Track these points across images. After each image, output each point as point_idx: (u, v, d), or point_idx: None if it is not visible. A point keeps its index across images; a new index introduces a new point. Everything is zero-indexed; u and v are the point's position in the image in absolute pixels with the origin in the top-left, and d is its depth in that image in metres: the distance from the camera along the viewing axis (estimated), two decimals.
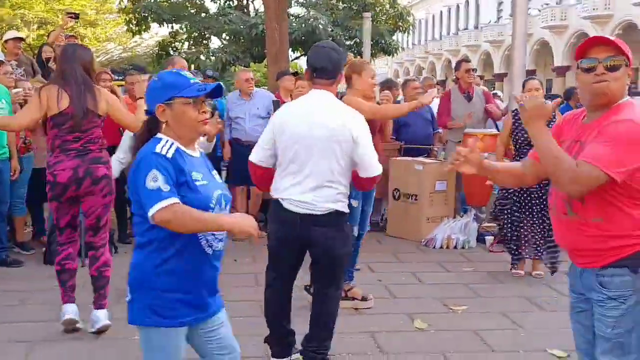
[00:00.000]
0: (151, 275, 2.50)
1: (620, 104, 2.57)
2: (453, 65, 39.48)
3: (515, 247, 6.14)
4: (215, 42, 22.74)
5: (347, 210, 3.77)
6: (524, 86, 6.23)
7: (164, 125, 2.56)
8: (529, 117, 2.53)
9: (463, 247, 7.21)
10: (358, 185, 3.89)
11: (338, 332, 4.08)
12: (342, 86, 4.53)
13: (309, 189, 3.64)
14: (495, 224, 6.82)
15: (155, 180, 2.41)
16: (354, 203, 4.78)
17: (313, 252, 3.79)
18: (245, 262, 6.35)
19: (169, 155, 2.47)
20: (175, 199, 2.41)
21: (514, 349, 4.36)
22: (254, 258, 6.34)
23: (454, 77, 8.35)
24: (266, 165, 3.83)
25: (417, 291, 5.62)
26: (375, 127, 4.99)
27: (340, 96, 4.24)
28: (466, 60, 8.62)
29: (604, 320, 2.59)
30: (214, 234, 2.55)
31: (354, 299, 5.09)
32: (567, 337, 3.10)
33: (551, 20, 33.58)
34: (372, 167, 3.74)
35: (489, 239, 7.26)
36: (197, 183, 2.51)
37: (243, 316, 4.75)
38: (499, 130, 7.29)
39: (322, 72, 3.73)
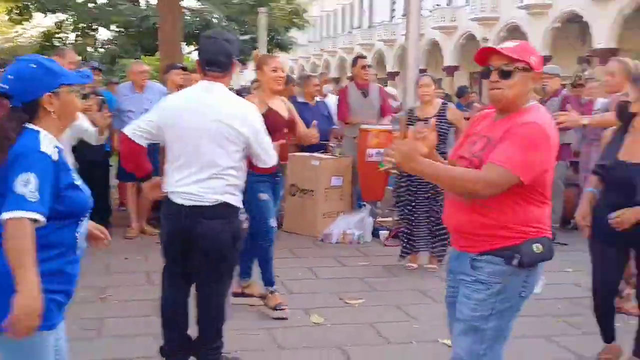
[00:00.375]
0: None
1: (528, 106, 2.64)
2: (347, 63, 39.79)
3: (406, 240, 6.28)
4: (103, 34, 21.97)
5: (238, 203, 3.64)
6: (417, 83, 6.37)
7: (40, 116, 2.35)
8: (402, 165, 2.53)
9: (359, 242, 7.27)
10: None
11: (234, 329, 4.00)
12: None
13: (196, 180, 3.51)
14: (390, 219, 6.94)
15: (26, 185, 2.18)
16: (263, 196, 4.72)
17: (200, 245, 3.58)
18: (137, 260, 6.15)
19: (55, 157, 2.28)
20: (37, 215, 2.18)
21: (407, 340, 4.43)
22: (146, 256, 6.16)
23: (351, 74, 8.41)
24: (138, 141, 3.60)
25: (314, 286, 5.62)
26: (284, 124, 4.87)
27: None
28: (362, 56, 8.70)
29: (465, 302, 2.66)
30: (80, 233, 2.40)
31: (252, 295, 5.01)
32: None
33: (442, 21, 34.65)
34: (267, 157, 3.66)
35: (384, 233, 7.38)
36: (77, 182, 2.37)
37: (134, 316, 4.60)
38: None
39: (215, 65, 3.60)
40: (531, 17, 27.49)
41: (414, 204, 6.18)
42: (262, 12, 13.21)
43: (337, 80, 27.62)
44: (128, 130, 3.62)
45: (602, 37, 23.15)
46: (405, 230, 6.28)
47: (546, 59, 24.49)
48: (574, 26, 26.00)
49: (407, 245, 6.29)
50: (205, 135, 3.48)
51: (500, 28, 30.12)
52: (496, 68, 2.61)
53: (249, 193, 4.64)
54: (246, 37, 20.17)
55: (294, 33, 24.28)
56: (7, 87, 2.34)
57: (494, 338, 2.66)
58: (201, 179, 3.50)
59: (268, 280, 4.92)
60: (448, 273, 2.88)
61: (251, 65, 25.27)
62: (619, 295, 4.29)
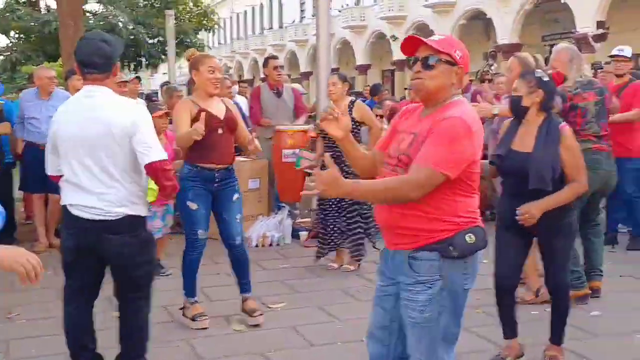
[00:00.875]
0: None
1: (452, 101, 2.63)
2: (260, 64, 39.72)
3: (321, 240, 6.25)
4: (2, 40, 21.04)
5: (142, 213, 3.47)
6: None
7: None
8: (327, 192, 2.47)
9: (278, 244, 7.20)
10: (153, 177, 3.45)
11: (154, 342, 3.84)
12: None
13: (93, 192, 3.33)
14: (308, 219, 6.90)
15: None
16: (192, 206, 4.53)
17: (110, 263, 3.46)
18: (46, 276, 5.80)
19: None
20: None
21: (332, 342, 4.39)
22: (55, 271, 5.86)
23: (263, 75, 8.34)
24: (58, 174, 3.47)
25: (234, 292, 5.46)
26: (217, 124, 4.57)
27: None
28: (273, 57, 8.64)
29: (412, 306, 2.61)
30: None
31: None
32: None
33: (351, 20, 34.99)
34: (151, 152, 3.34)
35: (303, 234, 7.33)
36: None
37: (44, 335, 4.38)
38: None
39: (92, 67, 3.38)
40: (437, 15, 28.14)
41: (324, 202, 6.15)
42: (169, 15, 12.97)
43: (250, 82, 27.44)
44: (48, 170, 3.54)
45: (505, 32, 23.92)
46: (320, 230, 6.26)
47: None
48: (479, 23, 26.79)
49: (322, 245, 6.26)
50: (93, 143, 3.30)
51: (409, 26, 30.67)
52: (420, 58, 2.61)
53: (178, 199, 4.49)
54: (154, 40, 19.76)
55: (204, 35, 23.98)
56: None
57: (448, 336, 2.65)
58: (99, 190, 3.32)
59: (189, 291, 4.76)
60: (380, 274, 2.82)
61: (162, 68, 24.79)
62: (520, 285, 4.40)
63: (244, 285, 4.84)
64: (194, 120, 4.43)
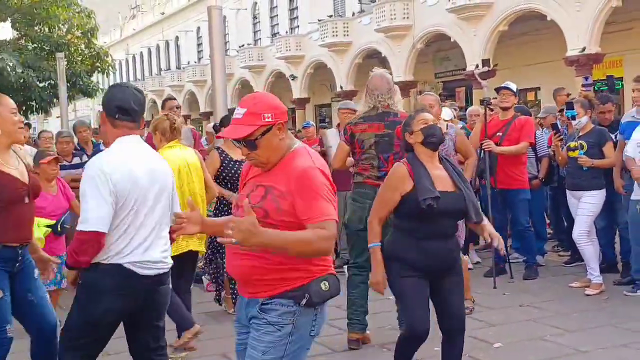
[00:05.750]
0: None
1: (294, 151, 2.63)
2: (158, 105, 39.06)
3: (216, 283, 6.12)
4: None
5: None
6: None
7: None
8: (245, 242, 2.37)
9: None
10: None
11: None
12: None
13: (158, 244, 3.24)
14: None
15: None
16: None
17: (146, 317, 3.35)
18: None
19: None
20: None
21: None
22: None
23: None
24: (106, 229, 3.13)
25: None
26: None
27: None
28: (171, 98, 8.55)
29: (256, 346, 2.59)
30: None
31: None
32: None
33: (249, 60, 35.15)
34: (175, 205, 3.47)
35: (206, 279, 7.12)
36: None
37: None
38: None
39: (131, 114, 3.26)
40: (334, 54, 28.70)
41: (217, 247, 5.90)
42: (59, 57, 12.58)
43: (148, 123, 26.88)
44: (101, 227, 3.06)
45: (399, 70, 24.67)
46: (216, 274, 6.07)
47: (352, 93, 25.69)
48: (374, 61, 27.53)
49: (219, 288, 6.09)
50: (158, 194, 3.27)
51: (307, 65, 31.11)
52: (242, 144, 2.60)
53: None
54: (45, 83, 19.09)
55: (98, 77, 23.37)
56: None
57: None
58: (163, 242, 3.29)
59: None
60: (237, 323, 2.78)
61: (56, 112, 23.96)
62: None
63: None
64: None
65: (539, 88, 21.72)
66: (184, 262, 4.82)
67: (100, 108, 3.43)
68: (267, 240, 2.41)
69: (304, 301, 2.55)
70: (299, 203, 2.50)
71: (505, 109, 7.00)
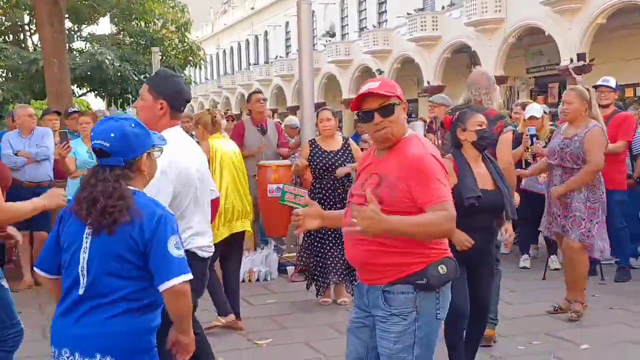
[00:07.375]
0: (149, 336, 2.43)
1: (406, 138, 2.71)
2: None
3: (316, 275, 6.13)
4: None
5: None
6: (317, 116, 6.34)
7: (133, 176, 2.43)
8: (370, 229, 2.44)
9: (265, 279, 7.13)
10: None
11: None
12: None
13: (209, 229, 3.43)
14: (295, 254, 6.83)
15: (178, 247, 2.36)
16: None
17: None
18: (31, 313, 5.75)
19: None
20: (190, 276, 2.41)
21: None
22: (41, 308, 5.80)
23: (248, 110, 8.31)
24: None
25: (220, 328, 5.41)
26: None
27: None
28: (257, 91, 8.65)
29: (386, 337, 2.65)
30: None
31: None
32: None
33: (336, 55, 35.30)
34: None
35: (290, 269, 7.26)
36: None
37: None
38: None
39: (183, 106, 3.39)
40: (422, 49, 28.44)
41: (323, 237, 6.02)
42: (155, 52, 13.04)
43: (238, 117, 27.42)
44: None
45: (490, 65, 24.20)
46: (318, 266, 6.09)
47: (439, 89, 25.38)
48: (463, 55, 27.09)
49: (320, 281, 6.10)
50: (207, 180, 3.47)
51: (394, 60, 30.97)
52: (376, 109, 2.66)
53: None
54: (141, 77, 19.83)
55: (191, 71, 24.06)
56: (107, 144, 2.36)
57: None
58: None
59: None
60: (355, 307, 2.84)
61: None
62: None
63: None
64: None
65: (638, 84, 20.85)
66: (232, 243, 5.25)
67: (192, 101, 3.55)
68: (392, 226, 2.47)
69: (423, 286, 2.60)
70: (415, 189, 2.56)
71: (605, 106, 6.79)
